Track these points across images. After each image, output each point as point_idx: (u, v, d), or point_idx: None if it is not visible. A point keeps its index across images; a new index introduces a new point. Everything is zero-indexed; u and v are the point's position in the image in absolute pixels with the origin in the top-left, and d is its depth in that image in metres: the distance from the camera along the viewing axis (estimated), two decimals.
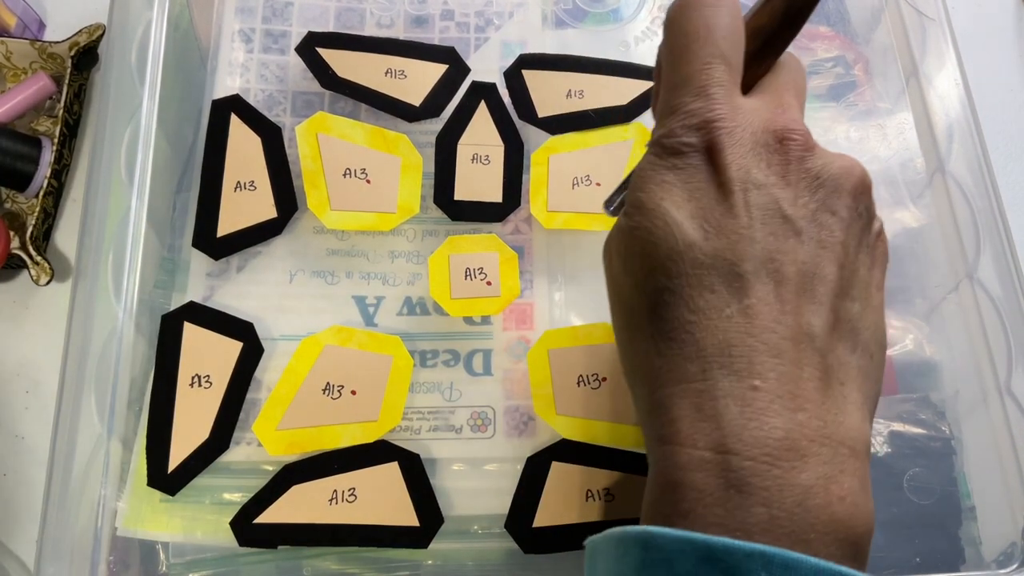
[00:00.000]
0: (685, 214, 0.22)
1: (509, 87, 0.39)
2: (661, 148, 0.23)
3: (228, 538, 0.31)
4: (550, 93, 0.39)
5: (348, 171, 0.36)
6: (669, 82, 0.24)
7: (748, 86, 0.24)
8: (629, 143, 0.38)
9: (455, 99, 0.39)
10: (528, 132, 0.39)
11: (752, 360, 0.21)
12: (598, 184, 0.37)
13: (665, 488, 0.21)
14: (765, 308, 0.21)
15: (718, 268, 0.21)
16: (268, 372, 0.34)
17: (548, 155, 0.37)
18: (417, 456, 0.32)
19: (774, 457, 0.20)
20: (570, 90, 0.39)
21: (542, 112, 0.38)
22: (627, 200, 0.24)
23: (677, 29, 0.24)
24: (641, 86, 0.40)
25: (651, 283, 0.22)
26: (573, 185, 0.37)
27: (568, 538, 0.31)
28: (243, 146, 0.37)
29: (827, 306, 0.22)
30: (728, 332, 0.21)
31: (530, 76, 0.39)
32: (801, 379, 0.21)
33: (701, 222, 0.22)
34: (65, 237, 0.40)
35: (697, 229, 0.22)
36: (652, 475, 0.22)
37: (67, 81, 0.40)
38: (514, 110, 0.39)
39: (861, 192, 0.23)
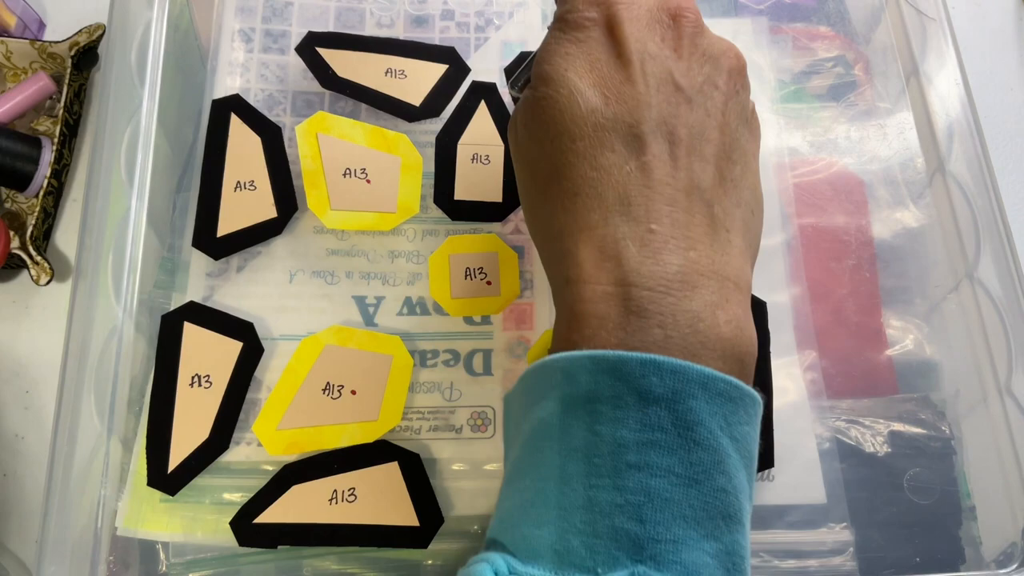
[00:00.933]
0: (588, 83, 0.24)
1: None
2: (564, 23, 0.25)
3: (228, 538, 0.31)
4: None
5: (348, 171, 0.36)
6: None
7: None
8: None
9: (455, 99, 0.39)
10: None
11: (649, 208, 0.23)
12: None
13: (571, 320, 0.23)
14: (660, 164, 0.23)
15: (618, 130, 0.24)
16: (268, 372, 0.34)
17: None
18: (417, 456, 0.32)
19: (668, 287, 0.22)
20: None
21: None
22: (533, 74, 0.26)
23: None
24: None
25: (556, 146, 0.24)
26: None
27: None
28: (243, 146, 0.37)
29: (713, 164, 0.24)
30: (627, 185, 0.23)
31: None
32: (692, 224, 0.23)
33: (602, 89, 0.24)
34: (65, 237, 0.40)
35: (599, 96, 0.24)
36: (559, 314, 0.24)
37: (67, 81, 0.40)
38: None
39: (738, 72, 0.26)
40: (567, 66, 0.24)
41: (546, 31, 0.26)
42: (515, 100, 0.29)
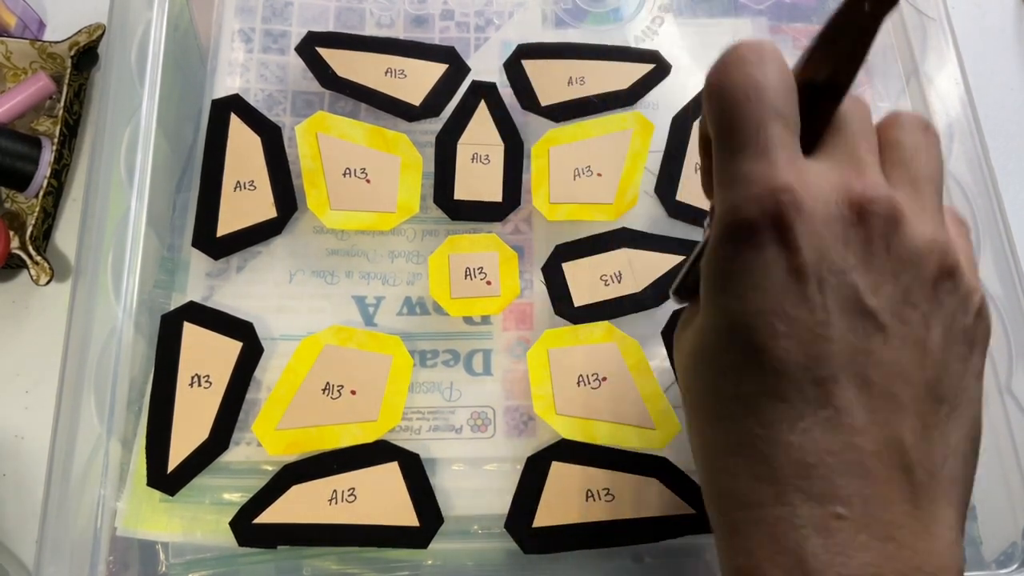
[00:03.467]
0: (752, 309, 0.19)
1: (510, 78, 0.39)
2: (723, 228, 0.20)
3: (228, 538, 0.31)
4: (551, 81, 0.39)
5: (348, 171, 0.36)
6: (722, 154, 0.21)
7: (809, 147, 0.21)
8: (628, 132, 0.38)
9: (455, 99, 0.39)
10: (528, 130, 0.39)
11: (834, 482, 0.18)
12: (599, 174, 0.37)
13: None
14: (846, 420, 0.18)
15: (791, 374, 0.19)
16: (268, 372, 0.34)
17: (548, 147, 0.37)
18: (417, 456, 0.32)
19: None
20: (571, 77, 0.39)
21: (544, 101, 0.39)
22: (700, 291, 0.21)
23: (722, 93, 0.20)
24: (641, 69, 0.40)
25: (717, 391, 0.20)
26: (575, 176, 0.37)
27: (568, 538, 0.31)
28: (243, 146, 0.37)
29: (913, 412, 0.19)
30: (805, 449, 0.18)
31: (530, 66, 0.39)
32: (889, 501, 0.18)
33: (770, 318, 0.19)
34: (65, 237, 0.40)
35: (766, 327, 0.19)
36: None
37: (67, 81, 0.40)
38: (517, 101, 0.39)
39: (947, 275, 0.20)
40: (728, 286, 0.20)
41: (705, 228, 0.22)
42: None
